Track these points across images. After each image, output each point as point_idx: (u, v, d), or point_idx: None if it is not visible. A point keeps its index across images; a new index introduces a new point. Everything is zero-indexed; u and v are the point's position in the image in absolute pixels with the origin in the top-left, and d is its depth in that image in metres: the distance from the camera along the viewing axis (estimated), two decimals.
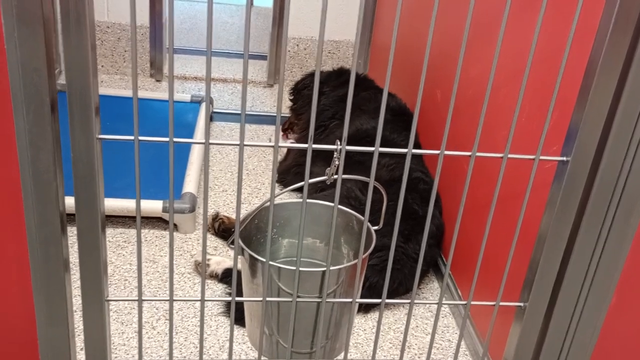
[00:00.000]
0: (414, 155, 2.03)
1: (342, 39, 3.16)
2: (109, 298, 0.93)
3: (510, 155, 0.89)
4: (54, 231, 0.86)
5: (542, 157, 0.89)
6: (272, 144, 0.82)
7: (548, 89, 1.31)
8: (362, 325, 1.67)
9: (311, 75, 2.61)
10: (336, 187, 0.86)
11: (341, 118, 2.23)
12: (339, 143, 0.85)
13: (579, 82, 0.86)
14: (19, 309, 1.13)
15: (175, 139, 0.81)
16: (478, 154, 0.88)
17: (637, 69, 0.81)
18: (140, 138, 0.80)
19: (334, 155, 0.91)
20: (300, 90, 2.54)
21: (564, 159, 0.88)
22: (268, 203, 0.90)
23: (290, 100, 2.60)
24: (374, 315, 1.71)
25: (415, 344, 1.63)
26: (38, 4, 0.72)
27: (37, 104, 0.78)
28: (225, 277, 1.75)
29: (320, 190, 1.97)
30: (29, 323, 0.97)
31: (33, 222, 0.86)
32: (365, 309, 1.72)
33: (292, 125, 2.58)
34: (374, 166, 0.84)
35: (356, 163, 1.82)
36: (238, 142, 0.82)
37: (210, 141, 0.84)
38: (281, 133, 2.64)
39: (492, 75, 0.83)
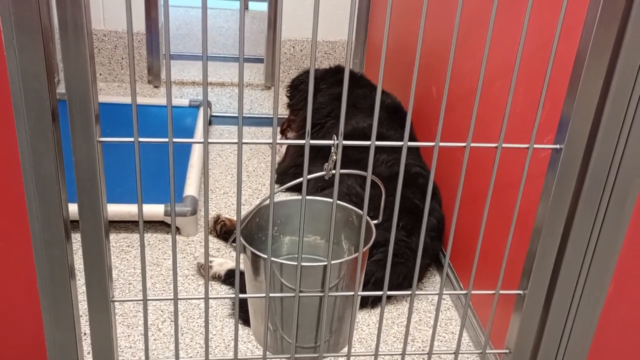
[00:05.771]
0: (411, 151, 2.06)
1: (338, 40, 3.17)
2: (114, 299, 0.94)
3: (504, 145, 0.90)
4: (58, 236, 0.88)
5: (535, 146, 0.90)
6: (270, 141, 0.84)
7: (542, 81, 1.32)
8: (367, 321, 1.68)
9: (307, 72, 2.62)
10: (335, 184, 0.88)
11: (337, 117, 2.23)
12: (335, 138, 0.87)
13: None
14: (27, 314, 1.14)
15: (175, 139, 0.83)
16: (472, 144, 0.90)
17: (625, 57, 0.82)
18: (140, 139, 0.82)
19: (332, 151, 0.93)
20: (297, 86, 2.55)
21: (557, 146, 0.89)
22: (268, 201, 0.91)
23: (287, 96, 2.62)
24: (378, 311, 1.73)
25: (419, 337, 1.65)
26: (36, 11, 0.73)
27: (38, 110, 0.79)
28: (229, 278, 1.77)
29: (321, 190, 1.98)
30: (37, 328, 0.98)
31: (37, 228, 0.87)
32: (372, 304, 1.74)
33: (290, 123, 2.59)
34: (370, 159, 0.86)
35: (354, 161, 1.83)
36: (236, 141, 0.84)
37: (209, 141, 0.86)
38: (279, 135, 2.65)
39: (483, 68, 0.84)
